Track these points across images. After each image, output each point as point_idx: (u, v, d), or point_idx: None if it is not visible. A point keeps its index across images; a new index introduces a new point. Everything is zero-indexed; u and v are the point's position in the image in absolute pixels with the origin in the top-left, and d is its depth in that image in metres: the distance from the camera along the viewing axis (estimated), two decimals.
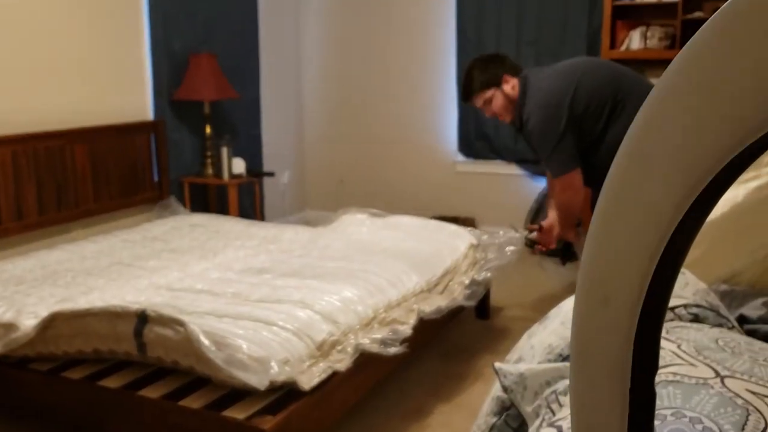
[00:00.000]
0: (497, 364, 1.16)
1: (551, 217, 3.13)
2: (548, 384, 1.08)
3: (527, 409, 1.11)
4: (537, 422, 1.05)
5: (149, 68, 4.02)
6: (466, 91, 3.01)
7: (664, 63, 4.23)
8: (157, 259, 3.12)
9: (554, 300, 3.47)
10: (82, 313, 2.10)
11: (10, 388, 2.29)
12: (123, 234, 3.56)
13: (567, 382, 1.02)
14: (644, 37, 4.13)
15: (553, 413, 1.00)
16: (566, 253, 3.94)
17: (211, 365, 1.86)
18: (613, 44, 4.21)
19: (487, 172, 4.83)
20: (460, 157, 4.98)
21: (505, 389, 1.12)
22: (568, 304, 1.38)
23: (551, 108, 2.81)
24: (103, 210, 3.72)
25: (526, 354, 1.26)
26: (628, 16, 4.23)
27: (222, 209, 4.29)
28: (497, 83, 2.94)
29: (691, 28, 4.04)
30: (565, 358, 1.18)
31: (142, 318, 1.98)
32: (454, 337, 3.19)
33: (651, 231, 0.38)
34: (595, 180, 2.92)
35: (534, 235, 3.19)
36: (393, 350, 2.18)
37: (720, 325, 1.16)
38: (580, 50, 4.38)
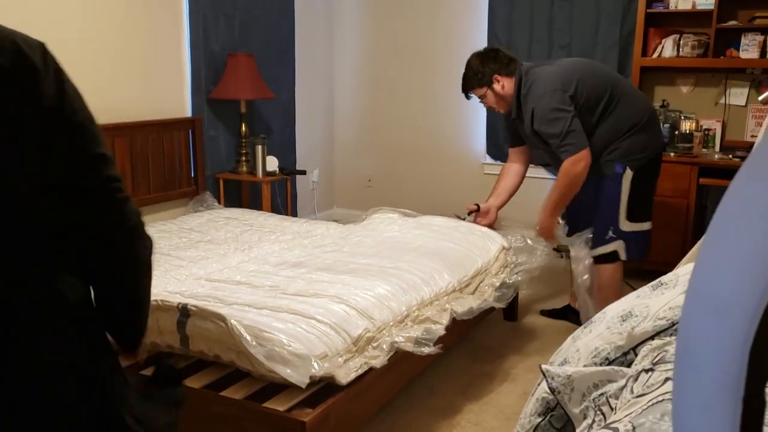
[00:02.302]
0: (544, 366, 1.21)
1: (490, 201, 3.39)
2: (596, 387, 1.12)
3: (574, 410, 1.16)
4: (585, 423, 1.10)
5: (188, 67, 4.11)
6: (463, 88, 3.22)
7: (696, 72, 4.24)
8: (194, 249, 3.20)
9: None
10: None
11: None
12: (159, 224, 3.65)
13: (616, 385, 1.06)
14: (677, 45, 4.13)
15: (604, 416, 1.04)
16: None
17: (252, 360, 1.92)
18: (645, 51, 4.22)
19: (531, 175, 4.85)
20: (489, 159, 5.01)
21: (552, 390, 1.17)
22: (612, 309, 1.42)
23: (559, 92, 2.95)
24: (141, 203, 3.77)
25: (572, 357, 1.30)
26: (661, 24, 4.23)
27: (255, 205, 4.36)
28: (488, 83, 3.11)
29: (725, 36, 4.04)
30: (611, 362, 1.22)
31: (184, 312, 2.05)
32: (483, 337, 3.23)
33: None
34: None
35: (471, 216, 3.40)
36: (427, 350, 2.23)
37: None
38: (611, 56, 4.40)
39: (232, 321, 1.95)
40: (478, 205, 3.42)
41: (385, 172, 5.49)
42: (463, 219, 3.42)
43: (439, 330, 2.37)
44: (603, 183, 3.07)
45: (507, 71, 3.10)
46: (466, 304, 2.64)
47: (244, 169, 4.32)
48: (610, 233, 3.09)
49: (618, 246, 3.11)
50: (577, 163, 2.95)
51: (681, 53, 4.11)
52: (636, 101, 3.11)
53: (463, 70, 3.19)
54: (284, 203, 4.65)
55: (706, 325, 0.43)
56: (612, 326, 1.35)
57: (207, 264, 2.95)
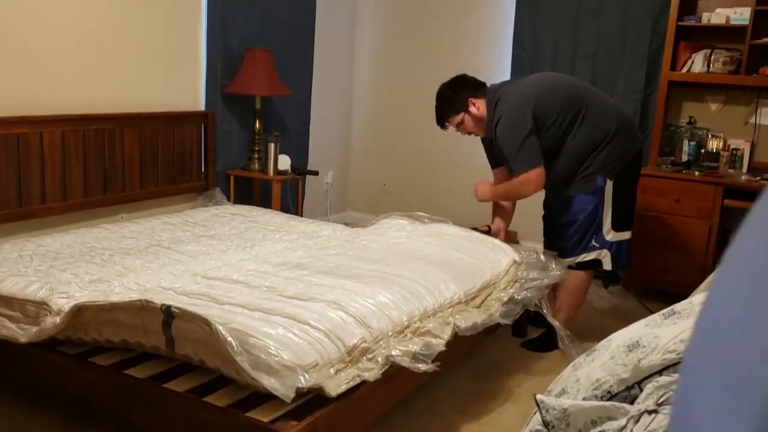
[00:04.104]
0: (539, 396, 1.09)
1: (497, 223, 3.41)
2: (594, 424, 1.01)
3: None
4: None
5: (204, 59, 4.04)
6: (438, 119, 3.20)
7: (726, 88, 4.09)
8: (196, 243, 3.12)
9: (595, 324, 3.38)
10: (107, 307, 2.09)
11: (37, 369, 2.30)
12: (164, 217, 3.58)
13: (616, 424, 0.95)
14: (708, 60, 3.98)
15: None
16: (609, 276, 3.83)
17: (237, 368, 1.82)
18: (674, 65, 4.07)
19: None
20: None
21: (545, 424, 1.05)
22: (618, 337, 1.30)
23: (517, 109, 2.98)
24: (149, 196, 3.74)
25: (571, 387, 1.18)
26: (693, 38, 4.08)
27: (265, 204, 4.28)
28: (464, 108, 3.11)
29: (759, 53, 3.89)
30: (613, 397, 1.10)
31: (168, 313, 1.95)
32: (488, 353, 3.11)
33: None
34: (552, 185, 3.11)
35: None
36: (424, 367, 2.11)
37: None
38: (638, 69, 4.26)
39: (216, 325, 1.85)
40: (489, 227, 3.39)
41: (401, 177, 5.38)
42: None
43: (439, 345, 2.25)
44: (585, 198, 3.08)
45: (478, 93, 3.12)
46: (471, 319, 2.52)
47: (256, 166, 4.24)
48: (593, 242, 3.11)
49: (600, 255, 3.12)
50: (526, 184, 3.03)
51: (711, 69, 3.96)
52: (606, 110, 3.10)
53: (468, 78, 3.18)
54: (295, 203, 4.56)
55: (715, 403, 0.32)
56: (617, 356, 1.23)
57: (206, 260, 2.86)
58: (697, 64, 3.99)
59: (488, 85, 3.17)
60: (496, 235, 3.31)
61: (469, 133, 3.22)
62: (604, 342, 1.32)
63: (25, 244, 2.92)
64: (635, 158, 3.16)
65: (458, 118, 3.13)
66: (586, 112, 3.04)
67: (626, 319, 3.72)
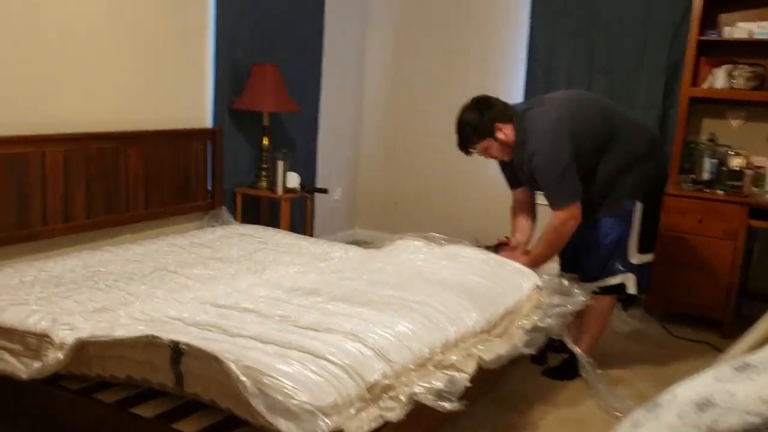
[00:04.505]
0: None
1: (519, 237, 3.20)
2: None
3: None
4: None
5: (211, 75, 3.93)
6: (463, 145, 3.00)
7: (748, 105, 3.97)
8: (203, 266, 3.00)
9: (617, 349, 3.24)
10: (112, 344, 1.96)
11: (38, 404, 2.17)
12: (169, 238, 3.46)
13: None
14: (730, 76, 3.87)
15: None
16: (629, 298, 3.70)
17: (251, 410, 1.69)
18: (695, 81, 3.96)
19: (541, 202, 4.61)
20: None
21: None
22: (685, 393, 1.17)
23: (555, 140, 2.82)
24: (153, 216, 3.62)
25: None
26: (714, 53, 3.97)
27: (273, 223, 4.16)
28: (491, 134, 2.92)
29: None
30: None
31: (176, 350, 1.83)
32: (510, 382, 2.97)
33: None
34: (591, 208, 2.94)
35: (498, 250, 3.17)
36: (449, 406, 1.98)
37: None
38: (657, 84, 4.15)
39: (229, 363, 1.72)
40: (508, 238, 3.21)
41: (412, 194, 5.26)
42: (489, 247, 3.18)
43: (464, 381, 2.12)
44: (612, 221, 2.95)
45: (506, 117, 2.93)
46: (494, 350, 2.39)
47: (264, 184, 4.12)
48: (618, 265, 2.98)
49: (625, 279, 3.00)
50: (566, 222, 2.87)
51: (734, 85, 3.84)
52: (637, 132, 2.98)
53: (493, 101, 2.98)
54: (303, 222, 4.44)
55: None
56: (685, 416, 1.10)
57: (214, 286, 2.73)
58: (719, 79, 3.88)
59: (513, 107, 3.01)
60: (515, 248, 3.16)
61: (494, 158, 3.06)
62: (667, 396, 1.19)
63: (26, 269, 2.80)
64: (663, 178, 3.05)
65: (484, 143, 2.95)
66: (618, 134, 2.92)
67: (649, 344, 3.61)
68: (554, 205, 2.89)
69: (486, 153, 3.00)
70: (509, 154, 2.98)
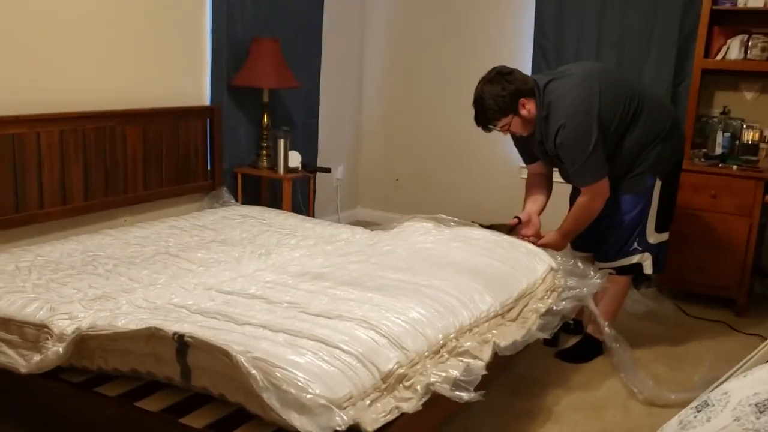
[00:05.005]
0: None
1: (527, 208, 3.11)
2: None
3: None
4: None
5: (209, 51, 3.80)
6: (481, 121, 2.86)
7: (763, 77, 3.87)
8: (206, 250, 2.91)
9: (630, 329, 3.17)
10: (113, 336, 1.87)
11: (38, 399, 2.09)
12: (170, 220, 3.36)
13: None
14: (744, 46, 3.75)
15: None
16: (641, 277, 3.62)
17: (263, 404, 1.61)
18: (708, 52, 3.84)
19: (557, 180, 4.51)
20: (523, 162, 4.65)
21: None
22: (739, 392, 1.08)
23: (582, 116, 2.71)
24: (153, 197, 3.52)
25: None
26: (728, 23, 3.84)
27: (274, 203, 4.06)
28: (514, 110, 2.79)
29: None
30: None
31: (181, 342, 1.74)
32: (523, 366, 2.90)
33: None
34: (611, 184, 2.85)
35: (514, 231, 3.08)
36: (466, 396, 1.90)
37: None
38: (668, 56, 4.02)
39: (238, 356, 1.64)
40: (518, 218, 3.09)
41: (414, 171, 5.16)
42: (503, 230, 3.08)
43: (480, 369, 2.04)
44: (632, 199, 2.87)
45: (528, 92, 2.79)
46: (510, 336, 2.31)
47: (265, 164, 4.01)
48: (635, 245, 2.90)
49: (642, 258, 2.92)
50: (596, 199, 2.80)
51: (749, 56, 3.73)
52: (660, 108, 2.89)
53: (515, 73, 2.83)
54: (305, 202, 4.34)
55: None
56: (743, 417, 1.01)
57: (219, 271, 2.64)
58: (733, 50, 3.76)
59: (534, 79, 2.86)
60: (528, 222, 3.05)
61: (514, 133, 2.93)
62: (717, 395, 1.11)
63: (22, 254, 2.71)
64: (682, 156, 2.96)
65: (506, 120, 2.81)
66: (642, 108, 2.81)
67: (663, 323, 3.53)
68: (582, 182, 2.81)
69: (505, 128, 2.87)
70: (530, 129, 2.87)
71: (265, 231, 3.26)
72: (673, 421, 1.13)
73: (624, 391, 2.75)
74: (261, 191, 4.17)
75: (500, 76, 2.80)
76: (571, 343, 3.14)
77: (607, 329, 2.80)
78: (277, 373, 1.68)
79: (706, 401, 1.11)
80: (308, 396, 1.62)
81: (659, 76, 4.04)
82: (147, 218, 3.47)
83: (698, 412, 1.10)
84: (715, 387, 1.24)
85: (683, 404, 2.64)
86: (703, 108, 4.03)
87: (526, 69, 4.46)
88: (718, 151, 3.89)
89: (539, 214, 3.12)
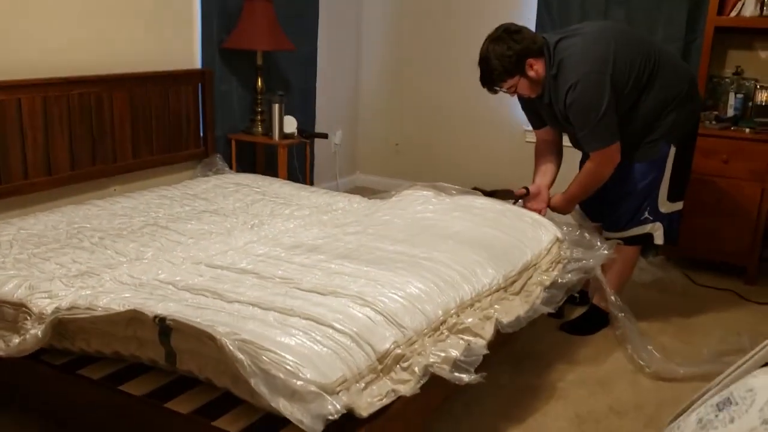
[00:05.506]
0: None
1: (537, 180, 2.99)
2: None
3: None
4: None
5: (199, 12, 3.64)
6: (487, 82, 2.72)
7: None
8: (196, 221, 2.80)
9: (637, 299, 3.07)
10: (91, 320, 1.77)
11: (20, 380, 2.00)
12: (160, 190, 3.25)
13: None
14: (761, 2, 3.57)
15: None
16: (647, 246, 3.51)
17: (252, 392, 1.51)
18: (722, 9, 3.66)
19: (567, 145, 4.37)
20: (531, 126, 4.50)
21: None
22: (766, 389, 0.97)
23: (594, 75, 2.57)
24: (142, 166, 3.39)
25: None
26: None
27: (270, 171, 3.94)
28: (521, 71, 2.64)
29: None
30: None
31: (163, 325, 1.64)
32: (526, 339, 2.80)
33: None
34: (623, 151, 2.71)
35: (520, 202, 2.97)
36: (467, 378, 1.81)
37: None
38: (679, 14, 3.84)
39: (223, 340, 1.53)
40: (527, 188, 2.96)
41: (415, 136, 5.01)
42: (508, 199, 2.97)
43: (482, 349, 1.94)
44: (645, 166, 2.73)
45: (537, 51, 2.63)
46: (513, 311, 2.20)
47: (259, 129, 3.88)
48: (646, 214, 2.78)
49: (653, 228, 2.80)
50: (604, 165, 2.68)
51: (765, 12, 3.55)
52: (677, 71, 2.73)
53: (523, 31, 2.67)
54: (302, 169, 4.21)
55: None
56: None
57: (209, 243, 2.53)
58: (748, 7, 3.58)
59: (543, 37, 2.71)
60: (537, 194, 2.94)
61: (521, 95, 2.78)
62: (741, 392, 1.00)
63: (4, 227, 2.60)
64: (698, 121, 2.82)
65: (513, 81, 2.67)
66: (658, 70, 2.66)
67: (671, 293, 3.43)
68: (591, 147, 2.68)
69: (511, 90, 2.73)
70: (538, 90, 2.72)
71: (259, 200, 3.15)
72: (692, 419, 1.03)
73: (630, 365, 2.66)
74: (256, 158, 4.04)
75: (507, 34, 2.64)
76: (576, 314, 3.04)
77: (613, 298, 2.69)
78: (264, 357, 1.57)
79: (729, 399, 1.01)
80: (298, 383, 1.52)
81: (670, 34, 3.87)
82: (137, 188, 3.35)
83: (720, 410, 1.00)
84: (727, 377, 1.13)
85: (692, 378, 2.57)
86: (715, 68, 3.87)
87: (530, 27, 4.27)
88: (730, 113, 3.74)
89: (549, 188, 2.99)
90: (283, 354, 1.61)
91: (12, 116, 2.79)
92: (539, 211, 2.87)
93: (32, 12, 2.87)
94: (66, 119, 3.00)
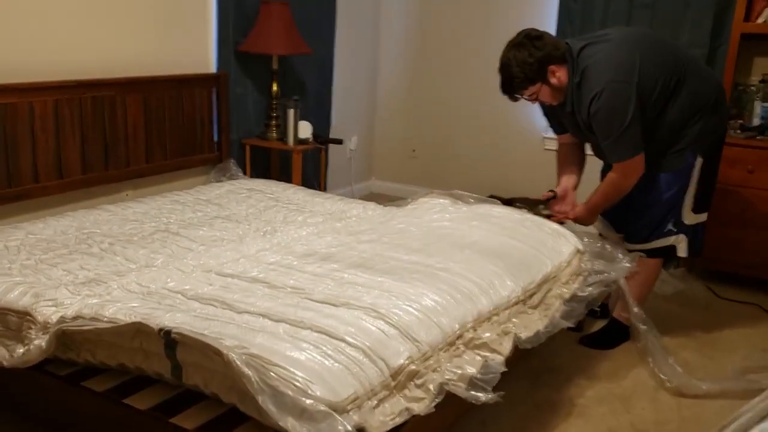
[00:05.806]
0: None
1: (563, 183, 2.91)
2: None
3: None
4: None
5: (215, 15, 3.59)
6: (507, 90, 2.65)
7: None
8: (208, 227, 2.75)
9: (658, 312, 2.97)
10: (95, 332, 1.72)
11: (23, 390, 1.95)
12: (173, 195, 3.20)
13: None
14: None
15: None
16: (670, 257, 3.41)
17: (259, 409, 1.45)
18: (748, 15, 3.56)
19: (589, 152, 4.29)
20: (550, 133, 4.40)
21: None
22: None
23: (619, 84, 2.48)
24: (156, 171, 3.36)
25: None
26: None
27: (284, 176, 3.88)
28: (543, 78, 2.57)
29: None
30: None
31: (168, 339, 1.58)
32: (544, 353, 2.72)
33: None
34: (648, 161, 2.61)
35: (547, 208, 2.90)
36: (484, 398, 1.74)
37: None
38: (705, 19, 3.75)
39: (230, 354, 1.47)
40: (554, 192, 2.88)
41: (432, 142, 4.94)
42: (539, 210, 2.89)
43: (500, 366, 1.87)
44: (671, 177, 2.65)
45: (559, 58, 2.56)
46: (532, 326, 2.13)
47: (274, 135, 3.83)
48: (670, 226, 2.69)
49: (677, 240, 2.71)
50: (628, 176, 2.59)
51: None
52: (705, 78, 2.64)
53: (545, 36, 2.60)
54: (317, 175, 4.16)
55: None
56: None
57: (220, 251, 2.48)
58: None
59: (567, 43, 2.64)
60: (564, 197, 2.86)
61: (542, 102, 2.70)
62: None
63: (13, 231, 2.56)
64: (725, 131, 2.73)
65: (534, 88, 2.60)
66: (686, 79, 2.57)
67: (693, 306, 3.32)
68: (615, 158, 2.59)
69: (533, 97, 2.65)
70: (560, 98, 2.65)
71: (272, 206, 3.10)
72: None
73: (652, 380, 2.57)
74: (270, 163, 3.99)
75: (528, 40, 2.56)
76: (596, 328, 2.95)
77: (636, 309, 2.61)
78: (273, 373, 1.52)
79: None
80: (308, 401, 1.46)
81: (694, 39, 3.78)
82: (150, 192, 3.32)
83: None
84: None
85: (715, 396, 2.48)
86: (741, 76, 3.77)
87: (551, 30, 4.19)
88: (756, 122, 3.64)
89: (574, 190, 2.91)
90: (292, 370, 1.55)
91: (24, 119, 2.76)
92: (567, 214, 2.79)
93: (45, 14, 2.84)
94: (78, 123, 2.97)
